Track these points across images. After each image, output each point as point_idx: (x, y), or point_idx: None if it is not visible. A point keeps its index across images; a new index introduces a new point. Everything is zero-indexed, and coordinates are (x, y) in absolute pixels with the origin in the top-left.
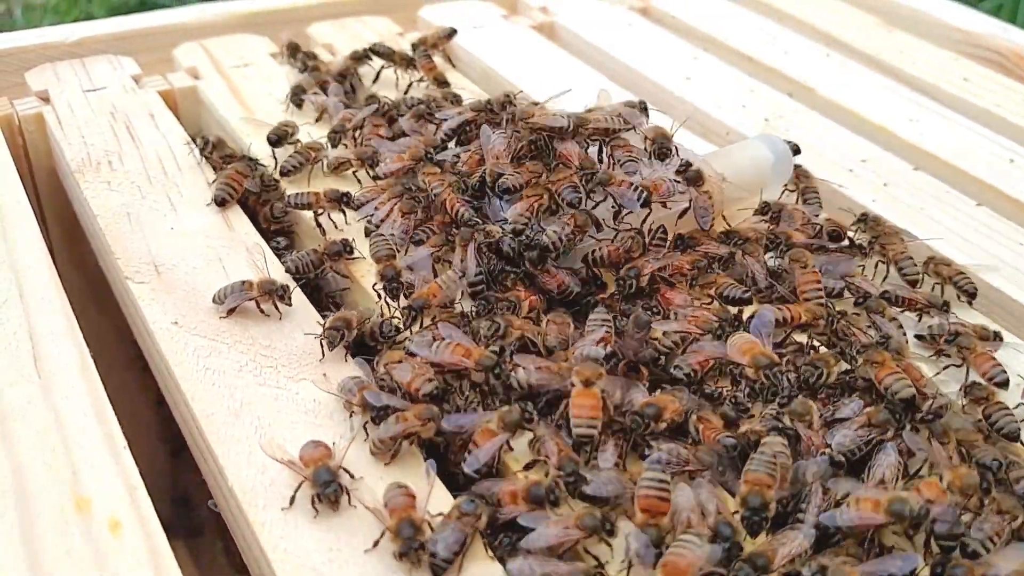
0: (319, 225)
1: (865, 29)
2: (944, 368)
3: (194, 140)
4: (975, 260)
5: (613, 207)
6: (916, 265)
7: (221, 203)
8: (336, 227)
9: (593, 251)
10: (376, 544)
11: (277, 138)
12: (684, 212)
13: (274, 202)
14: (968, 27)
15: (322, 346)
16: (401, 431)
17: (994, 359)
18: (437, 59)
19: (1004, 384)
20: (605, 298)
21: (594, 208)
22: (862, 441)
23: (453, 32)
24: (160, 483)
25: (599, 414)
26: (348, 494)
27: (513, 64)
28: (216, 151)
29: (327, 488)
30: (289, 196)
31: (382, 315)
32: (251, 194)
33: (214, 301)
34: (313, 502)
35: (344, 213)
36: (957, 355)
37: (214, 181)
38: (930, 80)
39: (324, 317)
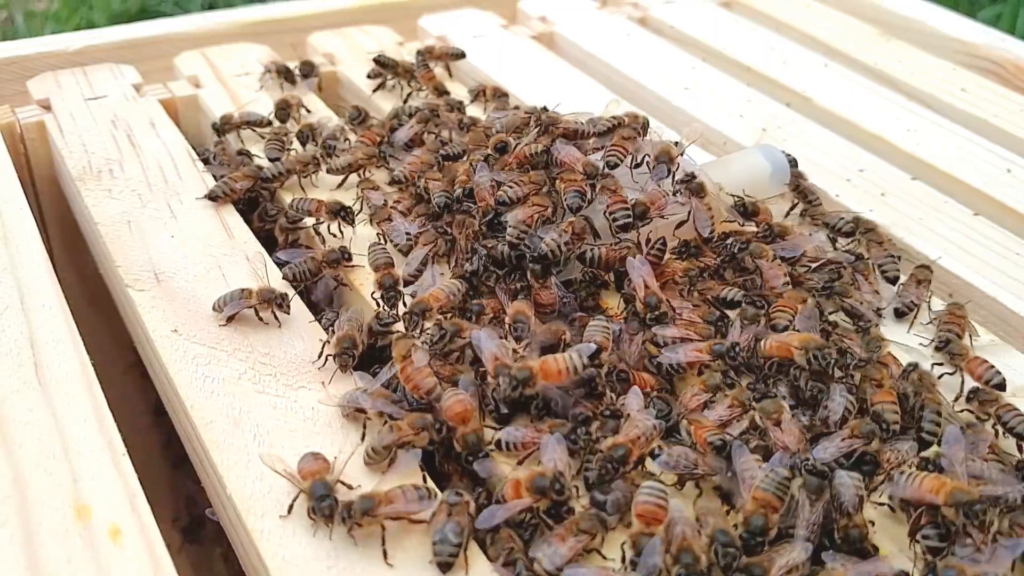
0: (318, 233)
1: (863, 39)
2: (939, 378)
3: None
4: (975, 271)
5: (607, 217)
6: (896, 263)
7: (213, 199)
8: (335, 237)
9: (590, 249)
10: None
11: (276, 155)
12: (681, 224)
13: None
14: (966, 37)
15: (334, 360)
16: (395, 440)
17: (986, 362)
18: (437, 69)
19: (1001, 386)
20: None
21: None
22: (842, 452)
23: (461, 55)
24: (160, 491)
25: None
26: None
27: (512, 74)
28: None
29: (321, 503)
30: (293, 201)
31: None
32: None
33: (214, 309)
34: (309, 514)
35: (341, 227)
36: (950, 363)
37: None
38: (928, 90)
39: (319, 321)
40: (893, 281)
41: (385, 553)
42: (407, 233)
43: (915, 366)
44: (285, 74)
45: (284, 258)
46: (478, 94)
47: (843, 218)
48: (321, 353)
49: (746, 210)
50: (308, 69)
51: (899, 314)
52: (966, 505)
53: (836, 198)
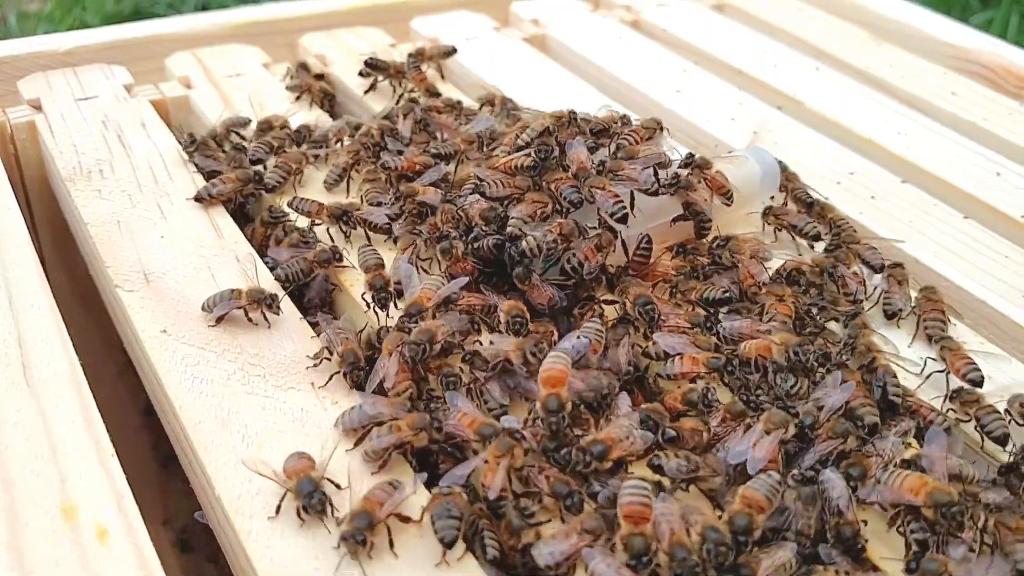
0: (313, 235)
1: (855, 43)
2: (928, 377)
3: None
4: (965, 274)
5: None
6: (879, 252)
7: (198, 200)
8: (332, 240)
9: (568, 259)
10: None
11: (258, 158)
12: (677, 219)
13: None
14: (957, 41)
15: (344, 379)
16: (394, 441)
17: (968, 358)
18: (430, 71)
19: (978, 382)
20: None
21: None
22: (823, 455)
23: (452, 51)
24: (151, 491)
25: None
26: (332, 504)
27: (505, 76)
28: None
29: (311, 499)
30: (293, 200)
31: (381, 326)
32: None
33: (203, 309)
34: (299, 513)
35: (342, 230)
36: (940, 356)
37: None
38: (919, 94)
39: (312, 324)
40: (879, 269)
41: (391, 543)
42: (387, 215)
43: (854, 338)
44: (329, 101)
45: (274, 257)
46: (487, 103)
47: (810, 222)
48: (319, 360)
49: (692, 159)
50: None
51: (889, 316)
52: (945, 506)
53: (826, 201)
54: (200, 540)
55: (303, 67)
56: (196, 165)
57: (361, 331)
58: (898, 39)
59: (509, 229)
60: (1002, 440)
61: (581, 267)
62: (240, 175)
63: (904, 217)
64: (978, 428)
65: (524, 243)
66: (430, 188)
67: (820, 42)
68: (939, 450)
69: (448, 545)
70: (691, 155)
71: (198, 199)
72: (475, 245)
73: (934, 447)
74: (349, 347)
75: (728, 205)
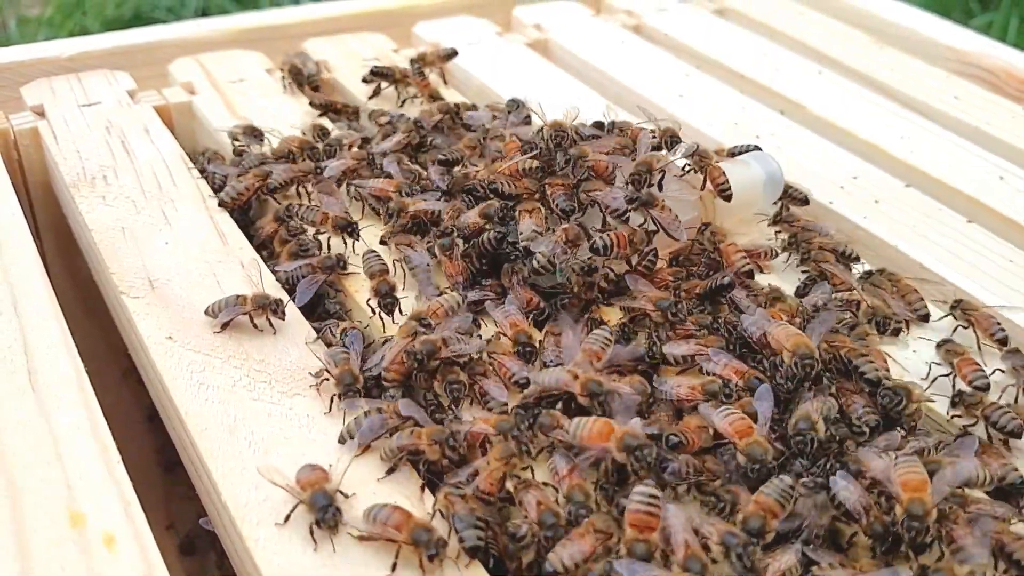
0: (319, 243)
1: (857, 47)
2: (933, 381)
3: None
4: (968, 278)
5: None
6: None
7: (221, 204)
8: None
9: (600, 238)
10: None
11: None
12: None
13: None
14: (959, 45)
15: (339, 400)
16: (409, 444)
17: (976, 364)
18: (433, 76)
19: (985, 388)
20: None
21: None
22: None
23: (453, 53)
24: (155, 496)
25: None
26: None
27: (507, 81)
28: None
29: (325, 514)
30: (302, 208)
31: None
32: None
33: (207, 314)
34: (311, 529)
35: (344, 242)
36: (945, 360)
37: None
38: (921, 98)
39: (317, 330)
40: (856, 260)
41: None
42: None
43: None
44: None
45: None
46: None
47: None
48: (320, 381)
49: (696, 148)
50: (300, 78)
51: (895, 332)
52: (912, 519)
53: (830, 205)
54: (204, 544)
55: (294, 71)
56: (203, 171)
57: (368, 345)
58: (899, 42)
59: (522, 243)
60: (1017, 433)
61: (607, 249)
62: (258, 172)
63: (907, 221)
64: (988, 427)
65: (535, 261)
66: (420, 199)
67: (821, 46)
68: (967, 459)
69: (472, 553)
70: (695, 144)
71: (221, 204)
72: (473, 241)
73: (961, 452)
74: (346, 368)
75: (727, 200)
